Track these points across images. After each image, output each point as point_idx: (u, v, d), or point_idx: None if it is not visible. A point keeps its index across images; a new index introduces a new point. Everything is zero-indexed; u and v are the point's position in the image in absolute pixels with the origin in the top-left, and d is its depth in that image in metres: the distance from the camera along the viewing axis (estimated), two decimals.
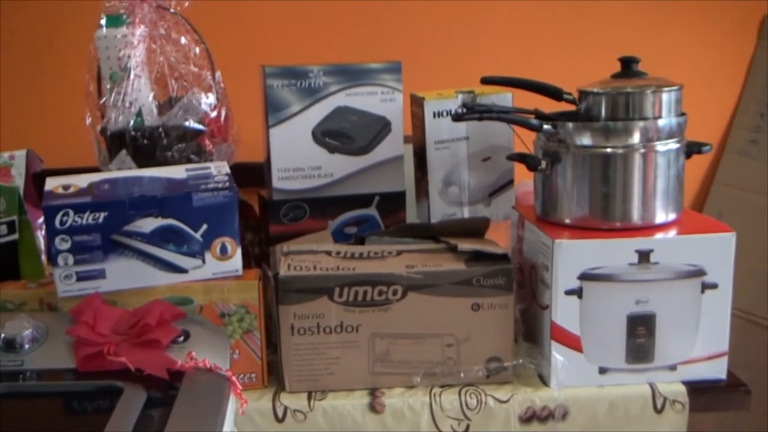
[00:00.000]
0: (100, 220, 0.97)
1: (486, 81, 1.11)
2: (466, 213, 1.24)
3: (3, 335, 0.89)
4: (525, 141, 1.15)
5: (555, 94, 1.08)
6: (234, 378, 0.87)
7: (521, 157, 1.08)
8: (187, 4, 1.11)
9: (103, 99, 1.13)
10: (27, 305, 1.01)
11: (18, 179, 1.40)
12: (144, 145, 1.10)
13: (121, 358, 0.86)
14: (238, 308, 1.03)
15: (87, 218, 0.97)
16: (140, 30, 1.09)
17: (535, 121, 1.05)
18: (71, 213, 0.96)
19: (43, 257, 1.18)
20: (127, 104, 1.09)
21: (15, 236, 1.07)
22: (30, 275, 1.09)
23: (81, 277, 0.99)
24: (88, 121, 1.17)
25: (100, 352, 0.87)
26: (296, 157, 1.18)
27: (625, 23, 1.75)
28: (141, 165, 1.10)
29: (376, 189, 1.22)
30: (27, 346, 0.89)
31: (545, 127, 1.05)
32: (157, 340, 0.88)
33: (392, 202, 1.23)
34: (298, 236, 1.18)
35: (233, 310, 1.02)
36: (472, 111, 1.03)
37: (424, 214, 1.26)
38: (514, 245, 1.18)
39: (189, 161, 1.12)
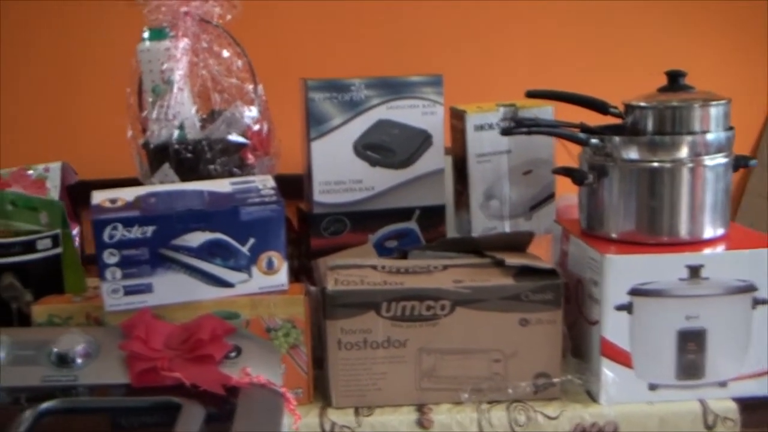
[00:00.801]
0: (149, 234, 0.98)
1: (531, 94, 1.12)
2: (506, 227, 1.25)
3: (56, 350, 0.90)
4: (571, 155, 1.15)
5: (601, 107, 1.09)
6: (288, 394, 0.87)
7: (568, 171, 1.09)
8: (229, 17, 1.12)
9: (145, 112, 1.14)
10: (74, 319, 1.02)
11: (53, 191, 1.41)
12: (187, 158, 1.11)
13: (176, 373, 0.86)
14: (285, 323, 1.03)
15: (135, 232, 0.98)
16: (183, 43, 1.10)
17: (582, 135, 1.05)
18: (120, 227, 0.97)
19: None
20: (170, 117, 1.10)
21: (59, 250, 1.07)
22: (73, 289, 1.10)
23: (128, 291, 1.00)
24: (129, 134, 1.18)
25: (154, 367, 0.87)
26: (337, 171, 1.19)
27: (659, 37, 1.76)
28: (184, 178, 1.11)
29: (417, 202, 1.23)
30: (80, 361, 0.90)
31: (593, 140, 1.06)
32: (211, 355, 0.89)
33: (432, 216, 1.24)
34: (338, 250, 1.19)
35: (279, 324, 1.03)
36: (520, 125, 1.04)
37: (464, 227, 1.26)
38: (556, 259, 1.19)
39: (231, 175, 1.13)
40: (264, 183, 1.06)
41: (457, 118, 1.24)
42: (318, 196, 1.19)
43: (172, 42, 1.11)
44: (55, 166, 1.42)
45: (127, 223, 0.97)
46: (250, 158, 1.13)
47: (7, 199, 1.17)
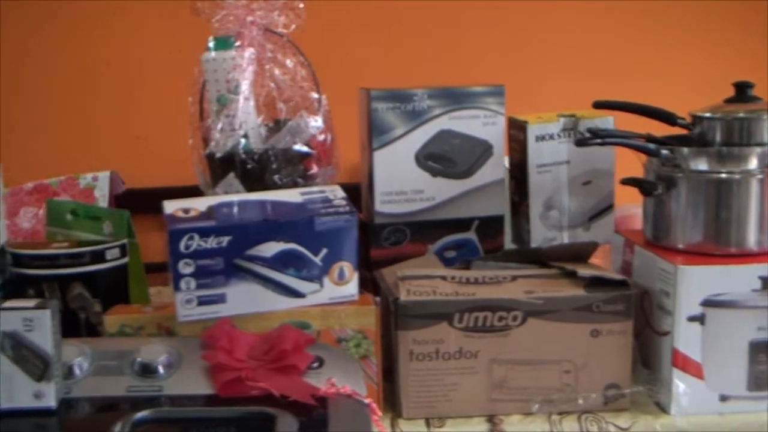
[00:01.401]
0: (224, 243, 0.99)
1: (598, 105, 1.14)
2: (565, 237, 1.26)
3: (139, 359, 0.91)
4: (634, 165, 1.17)
5: (669, 118, 1.11)
6: (374, 405, 0.89)
7: (636, 182, 1.11)
8: (294, 26, 1.13)
9: (208, 121, 1.15)
10: (145, 329, 1.03)
11: (101, 201, 1.43)
12: (253, 168, 1.12)
13: (262, 383, 0.88)
14: (356, 334, 1.05)
15: (211, 242, 0.99)
16: (248, 52, 1.12)
17: (653, 146, 1.07)
18: (196, 237, 0.98)
19: None
20: (236, 127, 1.11)
21: (126, 260, 1.09)
22: (138, 299, 1.11)
23: (202, 302, 1.01)
24: (190, 143, 1.19)
25: (239, 377, 0.89)
26: (399, 181, 1.21)
27: (715, 48, 1.78)
28: (249, 188, 1.13)
29: (476, 213, 1.24)
30: (162, 371, 0.91)
31: (663, 151, 1.07)
32: (295, 365, 0.90)
33: (491, 226, 1.25)
34: (397, 260, 1.20)
35: (350, 335, 1.04)
36: (596, 135, 1.06)
37: (522, 238, 1.28)
38: (617, 270, 1.20)
39: (295, 185, 1.15)
40: (334, 193, 1.08)
41: (516, 128, 1.25)
42: (379, 207, 1.20)
43: (237, 51, 1.12)
44: (104, 175, 1.43)
45: (204, 233, 0.98)
46: (314, 168, 1.14)
47: (66, 209, 1.18)
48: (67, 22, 1.75)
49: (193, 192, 1.63)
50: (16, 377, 0.84)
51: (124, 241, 1.08)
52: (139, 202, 1.32)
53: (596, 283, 1.06)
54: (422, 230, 1.22)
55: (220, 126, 1.13)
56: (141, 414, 0.81)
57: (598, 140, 1.06)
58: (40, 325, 0.83)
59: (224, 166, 1.13)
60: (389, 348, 1.08)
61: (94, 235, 1.15)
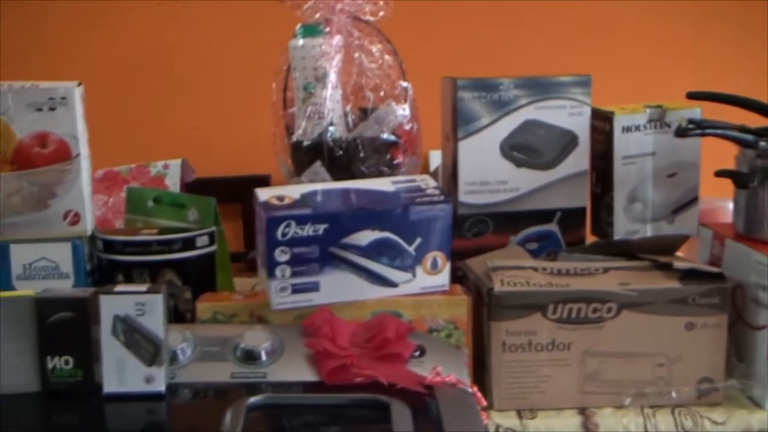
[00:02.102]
0: (320, 232, 1.01)
1: (692, 96, 1.15)
2: (649, 230, 1.27)
3: (242, 346, 0.92)
4: (718, 158, 1.17)
5: (765, 110, 1.11)
6: (479, 394, 0.90)
7: (731, 174, 1.11)
8: (381, 14, 1.15)
9: (292, 109, 1.17)
10: (237, 317, 1.05)
11: (172, 189, 1.44)
12: (340, 156, 1.13)
13: (368, 371, 0.89)
14: (447, 324, 1.06)
15: (308, 230, 1.00)
16: (336, 40, 1.13)
17: (751, 138, 1.08)
18: (293, 224, 1.00)
19: None
20: (323, 115, 1.13)
21: (214, 247, 1.11)
22: (223, 287, 1.13)
23: (296, 290, 1.02)
24: (273, 131, 1.21)
25: (344, 365, 0.90)
26: (483, 171, 1.22)
27: None
28: (335, 177, 1.14)
29: (559, 204, 1.25)
30: (265, 358, 0.92)
31: (762, 143, 1.08)
32: (399, 353, 0.92)
33: (573, 218, 1.26)
34: (480, 252, 1.21)
35: (442, 325, 1.06)
36: (698, 126, 1.06)
37: (602, 230, 1.29)
38: (705, 263, 1.21)
39: (381, 174, 1.16)
40: (426, 182, 1.09)
41: (601, 119, 1.26)
42: (463, 197, 1.21)
43: (325, 39, 1.14)
44: (175, 163, 1.45)
45: (301, 220, 1.00)
46: (400, 157, 1.16)
47: (148, 196, 1.20)
48: (125, 12, 1.77)
49: (257, 182, 1.66)
50: (127, 361, 0.85)
51: (213, 228, 1.10)
52: (202, 192, 1.33)
53: (691, 275, 1.07)
54: (505, 221, 1.24)
55: (306, 114, 1.14)
56: (254, 399, 0.83)
57: (699, 131, 1.07)
58: (152, 309, 0.85)
59: (310, 154, 1.15)
60: (479, 339, 1.09)
61: (176, 222, 1.17)
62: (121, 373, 0.86)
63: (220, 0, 1.78)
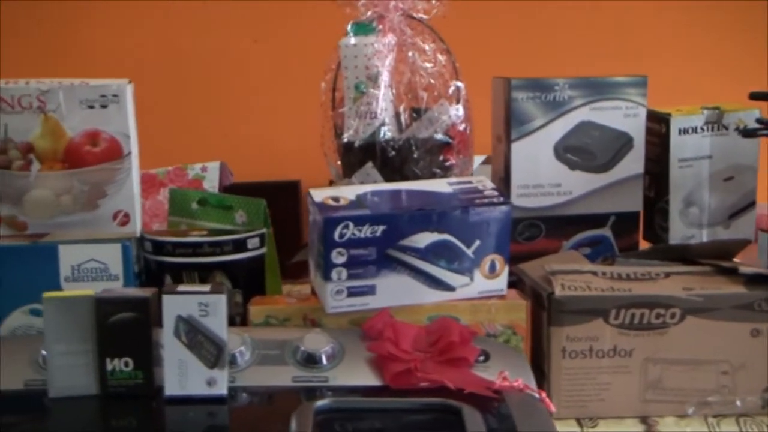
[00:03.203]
0: (378, 233, 1.00)
1: (755, 96, 1.14)
2: (704, 235, 1.27)
3: (303, 349, 0.92)
4: None
5: None
6: (547, 400, 0.89)
7: None
8: (435, 11, 1.15)
9: (342, 109, 1.17)
10: (291, 321, 1.04)
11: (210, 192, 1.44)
12: (392, 157, 1.13)
13: (434, 375, 0.89)
14: (505, 329, 1.06)
15: (366, 231, 1.00)
16: (389, 38, 1.13)
17: None
18: (351, 226, 1.00)
19: None
20: (375, 115, 1.13)
21: (264, 249, 1.10)
22: (272, 290, 1.13)
23: (352, 293, 1.02)
24: (321, 131, 1.21)
25: (409, 369, 0.90)
26: (537, 174, 1.22)
27: None
28: (387, 178, 1.14)
29: (612, 208, 1.25)
30: (326, 361, 0.92)
31: None
32: (465, 358, 0.91)
33: (627, 223, 1.26)
34: (532, 256, 1.21)
35: (500, 330, 1.05)
36: (766, 126, 1.06)
37: (657, 235, 1.28)
38: (764, 268, 1.20)
39: (433, 175, 1.16)
40: (483, 184, 1.09)
41: (656, 120, 1.26)
42: (515, 200, 1.21)
43: (378, 37, 1.14)
44: (214, 166, 1.45)
45: (359, 221, 1.00)
46: (452, 159, 1.16)
47: (192, 198, 1.20)
48: (154, 12, 1.78)
49: (287, 187, 1.66)
50: (189, 363, 0.85)
51: (264, 230, 1.10)
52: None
53: (757, 280, 1.07)
54: (558, 225, 1.23)
55: (358, 114, 1.14)
56: (321, 403, 0.83)
57: (767, 131, 1.07)
58: (215, 310, 0.85)
59: (362, 155, 1.15)
60: (537, 345, 1.09)
61: (222, 224, 1.17)
62: (183, 375, 0.85)
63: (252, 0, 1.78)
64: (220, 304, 0.85)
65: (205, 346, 0.85)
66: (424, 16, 1.17)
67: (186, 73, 1.78)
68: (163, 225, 1.32)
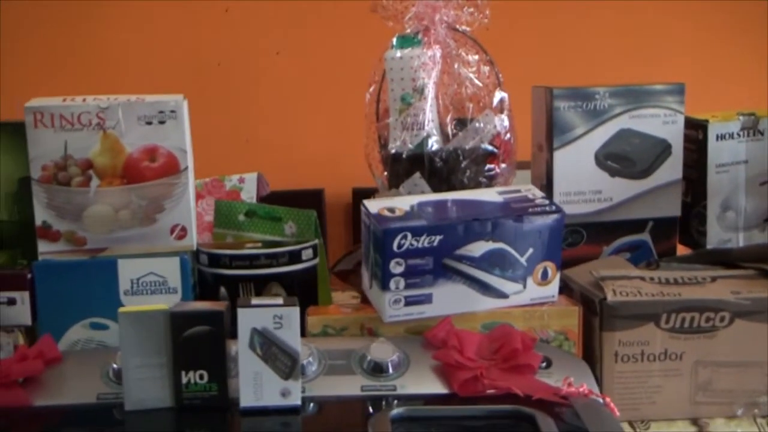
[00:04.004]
0: (435, 243, 1.02)
1: None
2: (741, 239, 1.29)
3: (370, 358, 0.94)
4: None
5: None
6: (612, 404, 0.91)
7: None
8: (477, 23, 1.16)
9: (388, 120, 1.18)
10: (348, 330, 1.06)
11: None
12: (440, 167, 1.15)
13: (501, 382, 0.90)
14: (558, 335, 1.07)
15: (423, 241, 1.02)
16: (435, 50, 1.15)
17: None
18: (409, 236, 1.01)
19: None
20: (423, 125, 1.14)
21: (317, 260, 1.12)
22: (323, 301, 1.14)
23: (409, 302, 1.04)
24: (365, 142, 1.23)
25: (476, 376, 0.91)
26: (578, 181, 1.24)
27: None
28: (434, 188, 1.15)
29: (651, 214, 1.27)
30: (392, 371, 0.94)
31: None
32: (529, 365, 0.93)
33: (665, 228, 1.28)
34: (574, 262, 1.23)
35: (552, 336, 1.07)
36: None
37: (694, 239, 1.31)
38: None
39: (479, 184, 1.17)
40: (532, 192, 1.11)
41: (693, 127, 1.28)
42: None
43: (423, 49, 1.16)
44: (251, 177, 1.46)
45: (417, 232, 1.01)
46: (496, 168, 1.17)
47: (239, 210, 1.22)
48: (178, 19, 1.79)
49: (311, 195, 1.67)
50: (264, 375, 0.87)
51: (316, 241, 1.11)
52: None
53: None
54: (598, 231, 1.25)
55: (404, 125, 1.16)
56: (396, 411, 0.84)
57: None
58: (289, 322, 0.86)
59: (409, 165, 1.16)
60: (588, 350, 1.10)
61: (271, 235, 1.18)
62: (258, 386, 0.87)
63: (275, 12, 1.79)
64: (293, 316, 0.86)
65: (280, 358, 0.86)
66: (467, 28, 1.18)
67: (208, 84, 1.79)
68: (204, 237, 1.33)
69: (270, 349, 0.86)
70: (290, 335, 0.86)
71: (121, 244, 1.06)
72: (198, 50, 1.83)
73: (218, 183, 1.46)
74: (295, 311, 0.86)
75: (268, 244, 1.12)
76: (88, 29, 1.77)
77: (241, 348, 0.86)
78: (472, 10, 1.18)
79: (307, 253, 1.11)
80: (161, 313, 0.87)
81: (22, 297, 1.05)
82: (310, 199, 1.79)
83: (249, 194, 1.45)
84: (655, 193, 1.26)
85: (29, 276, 1.05)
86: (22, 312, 1.05)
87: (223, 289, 1.10)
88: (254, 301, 0.87)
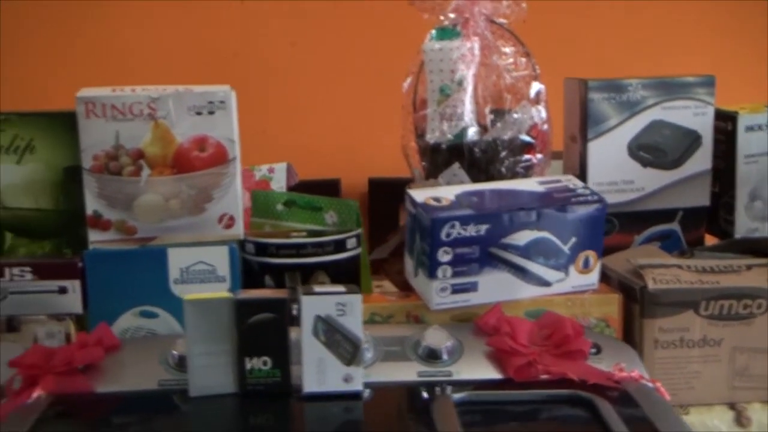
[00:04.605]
0: (482, 232, 1.04)
1: None
2: (767, 229, 1.31)
3: (425, 345, 0.95)
4: None
5: None
6: (662, 388, 0.93)
7: None
8: (514, 17, 1.18)
9: (425, 111, 1.20)
10: (394, 318, 1.08)
11: None
12: (479, 158, 1.16)
13: (555, 368, 0.92)
14: (599, 322, 1.10)
15: (470, 230, 1.04)
16: (474, 42, 1.17)
17: None
18: (457, 225, 1.03)
19: None
20: (462, 116, 1.16)
21: (360, 249, 1.13)
22: (364, 289, 1.16)
23: (455, 290, 1.06)
24: (402, 133, 1.24)
25: (530, 362, 0.93)
26: (611, 171, 1.26)
27: None
28: (473, 178, 1.17)
29: (681, 204, 1.29)
30: (446, 357, 0.96)
31: None
32: (581, 350, 0.95)
33: (694, 217, 1.31)
34: (606, 251, 1.24)
35: (593, 324, 1.09)
36: None
37: (722, 229, 1.33)
38: None
39: (515, 174, 1.19)
40: (572, 182, 1.13)
41: (722, 119, 1.30)
42: None
43: (462, 41, 1.17)
44: (280, 167, 1.48)
45: (464, 221, 1.03)
46: (533, 158, 1.19)
47: (278, 200, 1.23)
48: (194, 10, 1.79)
49: (328, 186, 1.69)
50: (327, 361, 0.88)
51: (360, 230, 1.13)
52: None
53: None
54: (630, 221, 1.27)
55: (442, 116, 1.17)
56: (459, 396, 0.86)
57: None
58: (351, 309, 0.88)
59: (449, 155, 1.18)
60: (628, 336, 1.13)
61: (312, 225, 1.19)
62: (321, 373, 0.88)
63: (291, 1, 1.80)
64: (356, 303, 0.88)
65: (342, 345, 0.88)
66: (504, 21, 1.20)
67: (224, 74, 1.79)
68: None
69: (333, 335, 0.87)
70: (353, 322, 0.88)
71: (170, 233, 1.07)
72: (214, 41, 1.83)
73: (248, 173, 1.47)
74: (358, 299, 0.88)
75: (311, 234, 1.13)
76: (106, 23, 1.77)
77: (304, 335, 0.87)
78: (509, 2, 1.19)
79: (351, 242, 1.13)
80: (226, 300, 0.88)
81: (74, 286, 1.05)
82: (326, 189, 1.80)
83: (278, 184, 1.46)
84: (685, 183, 1.28)
85: (80, 265, 1.05)
86: (73, 300, 1.06)
87: (268, 278, 1.11)
88: (317, 288, 0.88)
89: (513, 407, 0.88)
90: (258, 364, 0.89)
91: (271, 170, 1.47)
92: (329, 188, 1.90)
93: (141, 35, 1.81)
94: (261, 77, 1.88)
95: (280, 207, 1.23)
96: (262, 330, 0.88)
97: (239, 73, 1.85)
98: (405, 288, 1.15)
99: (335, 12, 1.83)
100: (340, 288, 0.89)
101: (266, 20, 1.85)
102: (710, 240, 1.36)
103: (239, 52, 1.88)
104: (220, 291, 0.96)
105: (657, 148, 1.26)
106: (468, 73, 1.18)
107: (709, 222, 1.36)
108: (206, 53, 1.84)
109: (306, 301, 0.87)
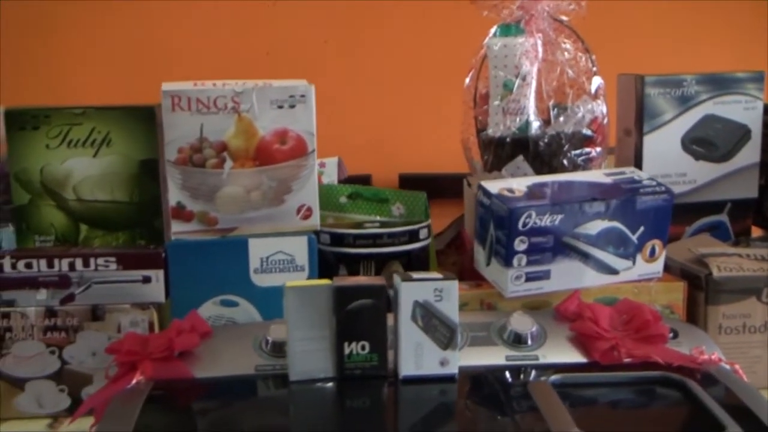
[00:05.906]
0: (557, 222, 1.07)
1: None
2: None
3: (512, 329, 0.98)
4: None
5: None
6: (741, 370, 0.97)
7: None
8: (575, 14, 1.21)
9: (487, 106, 1.23)
10: (469, 306, 1.10)
11: None
12: (543, 151, 1.19)
13: (639, 351, 0.95)
14: (664, 309, 1.13)
15: (546, 220, 1.06)
16: (536, 38, 1.19)
17: None
18: (533, 215, 1.06)
19: None
20: (525, 111, 1.19)
21: (430, 239, 1.16)
22: None
23: (529, 278, 1.08)
24: (462, 128, 1.27)
25: (613, 346, 0.96)
26: (665, 165, 1.29)
27: None
28: (536, 171, 1.20)
29: (729, 196, 1.33)
30: (531, 342, 0.98)
31: None
32: (662, 334, 0.98)
33: (742, 209, 1.34)
34: None
35: (659, 311, 1.12)
36: None
37: (767, 220, 1.36)
38: None
39: (576, 167, 1.22)
40: (638, 174, 1.16)
41: None
42: None
43: (525, 38, 1.20)
44: (331, 161, 1.50)
45: (541, 211, 1.06)
46: (592, 151, 1.22)
47: (341, 193, 1.25)
48: (226, 9, 1.81)
49: (362, 180, 1.71)
50: (424, 345, 0.91)
51: (429, 221, 1.15)
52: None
53: None
54: (682, 212, 1.30)
55: (505, 110, 1.20)
56: (554, 378, 0.89)
57: None
58: (448, 295, 0.90)
59: (513, 149, 1.21)
60: (692, 322, 1.16)
61: (378, 216, 1.22)
62: (419, 357, 0.91)
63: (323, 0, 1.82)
64: (453, 289, 0.90)
65: (439, 329, 0.90)
66: (564, 18, 1.23)
67: (256, 73, 1.81)
68: None
69: (430, 320, 0.90)
70: (449, 307, 0.90)
71: (250, 224, 1.09)
72: (246, 39, 1.85)
73: None
74: (455, 285, 0.90)
75: (386, 225, 1.16)
76: (142, 23, 1.79)
77: (403, 320, 0.90)
78: (570, 1, 1.21)
79: (423, 233, 1.15)
80: (325, 287, 0.90)
81: (157, 275, 1.07)
82: (360, 184, 1.81)
83: (330, 178, 1.48)
84: (735, 176, 1.32)
85: (164, 255, 1.07)
86: (156, 290, 1.07)
87: (342, 267, 1.14)
88: (415, 275, 0.91)
89: (606, 389, 0.90)
90: (356, 348, 0.91)
91: (322, 164, 1.50)
92: (362, 183, 1.92)
93: (175, 35, 1.82)
94: (293, 75, 1.88)
95: (343, 199, 1.25)
96: (360, 315, 0.90)
97: (271, 71, 1.85)
98: (460, 279, 1.17)
99: (366, 11, 1.85)
100: (437, 275, 0.91)
101: (298, 18, 1.86)
102: (755, 232, 1.39)
103: (271, 50, 1.90)
104: (299, 280, 0.97)
105: (709, 142, 1.29)
106: (531, 69, 1.21)
107: (755, 214, 1.39)
108: (238, 52, 1.86)
109: (405, 287, 0.90)
